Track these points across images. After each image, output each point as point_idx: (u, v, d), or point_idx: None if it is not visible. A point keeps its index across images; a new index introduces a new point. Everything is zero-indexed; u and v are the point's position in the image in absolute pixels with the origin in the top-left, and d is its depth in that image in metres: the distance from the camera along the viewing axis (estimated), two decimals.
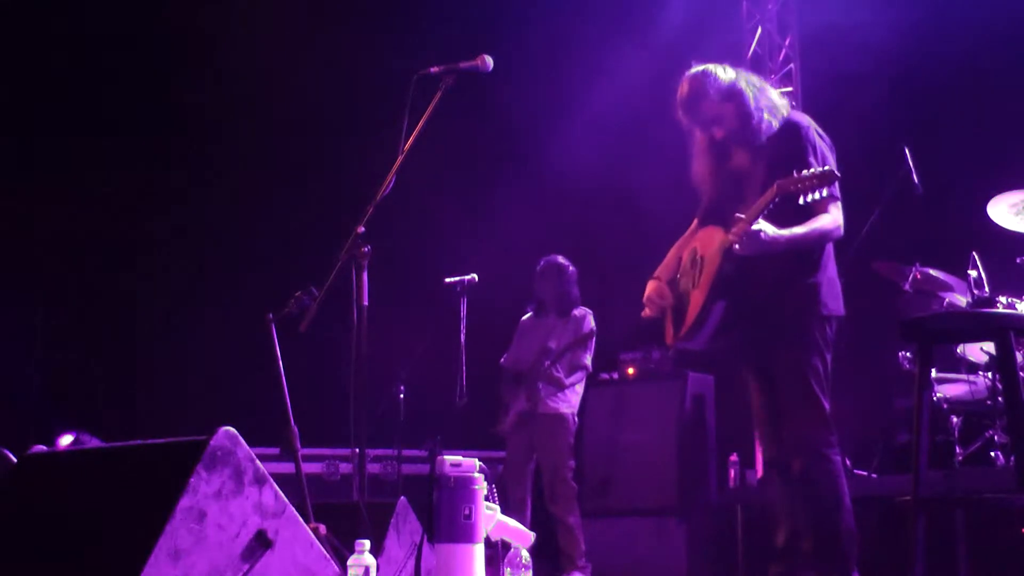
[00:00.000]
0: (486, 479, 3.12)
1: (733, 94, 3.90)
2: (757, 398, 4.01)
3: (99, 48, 8.08)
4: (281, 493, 2.90)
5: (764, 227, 3.66)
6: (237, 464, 2.81)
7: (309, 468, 6.97)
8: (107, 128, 8.16)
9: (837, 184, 3.73)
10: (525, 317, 6.29)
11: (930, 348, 3.74)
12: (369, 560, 2.96)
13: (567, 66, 8.49)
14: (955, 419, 5.58)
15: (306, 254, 7.22)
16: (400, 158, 3.58)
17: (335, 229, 3.94)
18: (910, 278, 5.57)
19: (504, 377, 6.15)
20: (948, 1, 6.96)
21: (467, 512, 3.02)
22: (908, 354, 5.74)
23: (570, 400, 5.94)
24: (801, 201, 3.60)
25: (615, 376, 6.92)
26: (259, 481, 2.84)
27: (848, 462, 5.62)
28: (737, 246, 3.71)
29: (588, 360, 6.00)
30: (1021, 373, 3.73)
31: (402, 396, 6.87)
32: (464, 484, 3.04)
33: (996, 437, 5.42)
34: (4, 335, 7.78)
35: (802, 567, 3.80)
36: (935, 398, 5.53)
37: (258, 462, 2.87)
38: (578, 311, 6.07)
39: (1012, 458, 4.30)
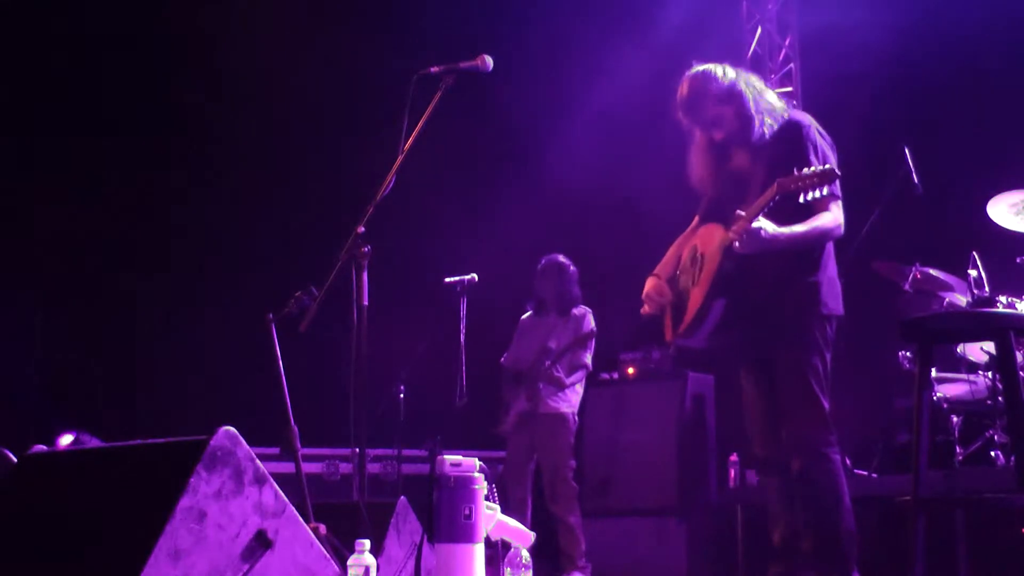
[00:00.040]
0: (486, 479, 3.12)
1: (733, 96, 3.90)
2: (752, 396, 4.01)
3: (99, 48, 8.07)
4: (281, 493, 2.90)
5: (764, 225, 3.66)
6: (237, 464, 2.81)
7: (309, 468, 6.97)
8: (107, 128, 8.15)
9: (838, 183, 3.72)
10: (525, 316, 6.28)
11: (930, 348, 3.74)
12: (369, 560, 2.96)
13: (567, 66, 8.48)
14: (955, 419, 5.58)
15: (306, 254, 7.21)
16: (400, 158, 3.57)
17: (335, 229, 3.94)
18: (910, 278, 5.57)
19: (504, 377, 6.15)
20: (948, 1, 6.95)
21: (467, 512, 3.02)
22: (908, 354, 5.74)
23: (570, 400, 5.94)
24: (801, 199, 3.59)
25: (615, 376, 6.92)
26: (259, 481, 2.84)
27: (848, 462, 5.63)
28: (737, 244, 3.71)
29: (588, 359, 5.99)
30: (1021, 373, 3.73)
31: (402, 396, 6.87)
32: (464, 484, 3.04)
33: (996, 437, 5.41)
34: (4, 335, 7.77)
35: (802, 567, 3.80)
36: (935, 398, 5.53)
37: (258, 462, 2.86)
38: (578, 310, 6.06)
39: (1012, 458, 4.30)
